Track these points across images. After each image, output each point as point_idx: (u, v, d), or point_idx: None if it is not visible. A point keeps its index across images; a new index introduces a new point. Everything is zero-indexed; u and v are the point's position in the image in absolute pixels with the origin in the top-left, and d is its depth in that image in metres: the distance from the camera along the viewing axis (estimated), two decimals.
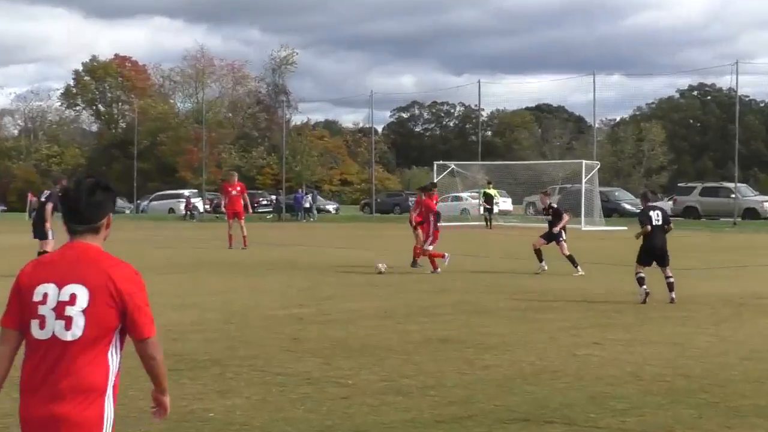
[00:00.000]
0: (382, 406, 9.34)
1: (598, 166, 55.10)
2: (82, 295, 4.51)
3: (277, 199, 71.84)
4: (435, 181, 45.14)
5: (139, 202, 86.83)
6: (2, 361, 4.66)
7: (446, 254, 24.29)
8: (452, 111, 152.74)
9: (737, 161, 58.99)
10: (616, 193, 65.67)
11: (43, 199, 22.82)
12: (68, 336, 4.48)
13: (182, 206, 75.80)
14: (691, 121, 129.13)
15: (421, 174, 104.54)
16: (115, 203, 4.96)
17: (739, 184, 59.96)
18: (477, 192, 59.19)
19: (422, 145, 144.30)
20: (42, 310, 4.51)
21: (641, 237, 17.90)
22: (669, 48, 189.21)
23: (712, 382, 10.50)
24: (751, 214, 57.56)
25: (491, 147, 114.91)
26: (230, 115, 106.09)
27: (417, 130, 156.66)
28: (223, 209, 36.88)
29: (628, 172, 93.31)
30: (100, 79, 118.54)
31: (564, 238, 23.81)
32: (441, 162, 61.23)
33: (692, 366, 11.44)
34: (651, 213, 17.94)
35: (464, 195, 64.72)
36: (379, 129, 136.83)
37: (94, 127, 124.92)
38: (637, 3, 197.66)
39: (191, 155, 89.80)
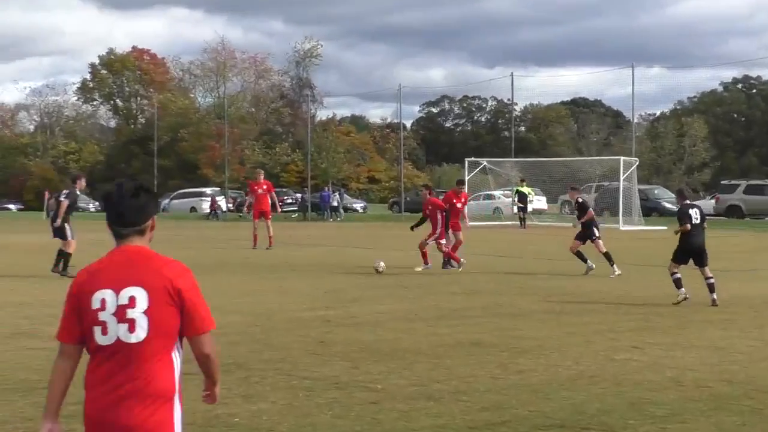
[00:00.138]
0: (412, 411, 9.13)
1: (637, 163, 54.54)
2: (141, 296, 4.57)
3: (302, 198, 71.68)
4: (464, 178, 44.82)
5: (159, 200, 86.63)
6: (63, 378, 4.74)
7: (429, 265, 24.28)
8: (484, 105, 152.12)
9: None
10: (656, 191, 64.61)
11: (61, 198, 22.85)
12: (132, 338, 4.54)
13: (204, 205, 75.82)
14: (735, 115, 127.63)
15: (451, 171, 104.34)
16: (158, 205, 4.89)
17: None
18: (510, 190, 58.80)
19: (453, 141, 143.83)
20: (102, 316, 4.57)
21: (679, 235, 17.54)
22: (712, 39, 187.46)
23: (756, 388, 10.23)
24: None
25: (525, 143, 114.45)
26: (253, 110, 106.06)
27: (447, 125, 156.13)
28: (245, 209, 36.76)
29: (669, 169, 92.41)
30: (117, 73, 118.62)
31: (598, 235, 23.55)
32: (472, 159, 60.87)
33: (735, 371, 11.15)
34: (690, 211, 17.58)
35: (497, 193, 64.23)
36: (408, 124, 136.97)
37: (113, 123, 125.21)
38: None
39: (213, 152, 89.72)
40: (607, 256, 23.21)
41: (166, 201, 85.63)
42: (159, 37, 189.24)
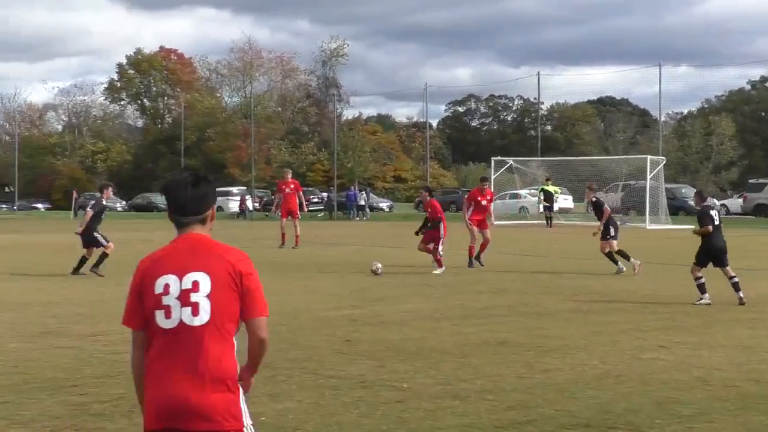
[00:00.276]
0: (437, 410, 9.10)
1: (664, 162, 54.26)
2: (205, 281, 4.67)
3: (328, 197, 71.71)
4: (487, 175, 44.64)
5: None
6: (139, 363, 4.82)
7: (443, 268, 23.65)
8: (510, 104, 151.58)
9: None
10: (683, 190, 64.09)
11: (88, 208, 23.07)
12: (196, 321, 4.63)
13: (231, 204, 75.96)
14: (763, 114, 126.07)
15: (477, 170, 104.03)
16: (217, 195, 5.07)
17: None
18: (536, 189, 58.64)
19: (479, 140, 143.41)
20: (166, 300, 4.66)
21: (701, 238, 17.42)
22: (739, 37, 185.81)
23: None
24: None
25: (551, 142, 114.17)
26: (279, 109, 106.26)
27: (473, 124, 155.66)
28: (273, 208, 36.78)
29: (696, 168, 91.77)
30: (144, 73, 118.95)
31: (612, 234, 23.48)
32: (498, 158, 60.76)
33: (763, 370, 11.07)
34: (711, 212, 17.49)
35: (523, 192, 64.07)
36: (434, 123, 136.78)
37: (140, 123, 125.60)
38: None
39: (239, 151, 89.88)
40: (610, 256, 23.31)
41: None
42: (186, 37, 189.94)
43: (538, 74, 69.98)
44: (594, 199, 24.55)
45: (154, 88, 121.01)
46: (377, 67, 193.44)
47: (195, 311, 4.63)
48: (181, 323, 4.63)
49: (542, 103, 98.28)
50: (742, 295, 17.01)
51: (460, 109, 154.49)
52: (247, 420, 4.72)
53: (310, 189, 79.06)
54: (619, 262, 23.19)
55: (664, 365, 11.38)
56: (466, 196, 26.45)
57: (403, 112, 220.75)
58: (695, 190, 19.67)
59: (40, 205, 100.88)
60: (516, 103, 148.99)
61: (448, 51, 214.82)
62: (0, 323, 14.59)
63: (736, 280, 17.20)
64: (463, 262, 25.06)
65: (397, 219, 64.93)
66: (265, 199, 73.56)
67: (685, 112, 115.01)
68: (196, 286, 4.66)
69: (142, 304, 4.75)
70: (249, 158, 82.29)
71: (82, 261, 22.67)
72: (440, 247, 23.87)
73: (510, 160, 61.20)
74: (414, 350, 12.26)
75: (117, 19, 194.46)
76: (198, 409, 4.56)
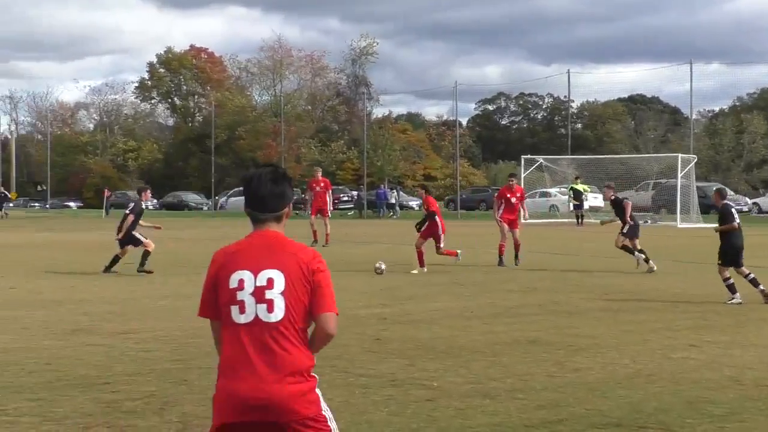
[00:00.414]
0: (468, 409, 9.09)
1: (695, 160, 53.99)
2: (279, 278, 4.76)
3: (358, 195, 71.73)
4: (515, 172, 44.51)
5: (217, 198, 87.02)
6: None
7: (424, 269, 23.38)
8: (540, 103, 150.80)
9: None
10: (714, 189, 63.94)
11: (127, 211, 23.06)
12: (272, 318, 4.72)
13: None
14: None
15: (507, 169, 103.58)
16: (293, 193, 5.17)
17: None
18: (566, 187, 58.44)
19: (509, 139, 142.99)
20: (240, 295, 4.75)
21: (722, 236, 17.34)
22: None
23: None
24: None
25: (581, 140, 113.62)
26: (309, 107, 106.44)
27: (503, 122, 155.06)
28: (303, 206, 36.89)
29: (727, 167, 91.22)
30: (175, 72, 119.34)
31: (626, 231, 23.57)
32: (528, 156, 60.63)
33: None
34: (732, 210, 17.43)
35: (553, 191, 63.87)
36: (464, 122, 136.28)
37: (170, 121, 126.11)
38: None
39: (270, 150, 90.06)
40: (626, 248, 23.42)
41: (224, 199, 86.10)
42: (216, 35, 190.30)
43: (568, 72, 69.74)
44: (613, 197, 24.66)
45: (185, 87, 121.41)
46: (407, 66, 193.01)
47: (270, 308, 4.73)
48: (257, 318, 4.73)
49: (572, 101, 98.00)
50: (763, 287, 16.94)
51: (490, 108, 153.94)
52: (324, 405, 4.84)
53: (340, 187, 79.14)
54: (651, 260, 23.18)
55: (696, 364, 11.32)
56: (496, 194, 26.33)
57: (432, 111, 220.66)
58: (716, 189, 19.59)
59: (72, 204, 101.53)
60: (546, 101, 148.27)
61: (478, 49, 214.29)
62: (33, 321, 14.68)
63: (752, 276, 17.14)
64: (492, 261, 25.02)
65: None
66: (294, 198, 73.64)
67: (717, 110, 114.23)
68: (270, 283, 4.76)
69: (216, 295, 4.85)
70: (279, 157, 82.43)
71: (115, 260, 22.78)
72: (442, 244, 23.87)
73: (540, 159, 61.04)
74: (444, 349, 12.26)
75: (148, 17, 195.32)
76: (276, 402, 4.65)
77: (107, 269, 22.68)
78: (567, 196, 56.40)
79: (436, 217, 23.87)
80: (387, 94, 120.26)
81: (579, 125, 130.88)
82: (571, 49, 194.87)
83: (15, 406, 9.03)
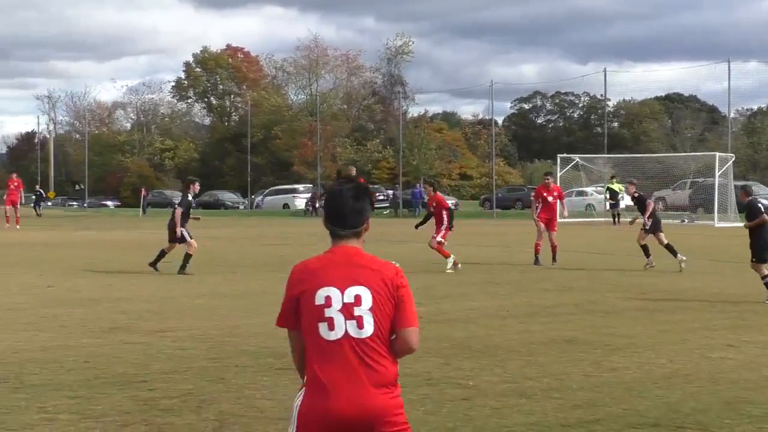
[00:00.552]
0: (504, 408, 9.08)
1: (733, 159, 53.48)
2: (366, 295, 4.81)
3: (393, 194, 71.68)
4: (551, 170, 44.29)
5: (253, 197, 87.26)
6: (301, 358, 5.00)
7: (452, 257, 23.08)
8: (576, 101, 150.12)
9: None
10: (753, 188, 63.37)
11: (175, 207, 23.00)
12: (362, 334, 4.77)
13: (297, 201, 76.28)
14: None
15: (543, 168, 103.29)
16: (373, 207, 5.20)
17: None
18: (602, 187, 58.19)
19: (545, 138, 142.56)
20: (329, 312, 4.79)
21: (751, 233, 17.23)
22: None
23: None
24: None
25: (618, 139, 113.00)
26: (345, 107, 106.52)
27: (539, 121, 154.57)
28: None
29: (766, 165, 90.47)
30: (211, 71, 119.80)
31: (647, 228, 23.62)
32: (564, 155, 60.44)
33: None
34: (760, 205, 17.36)
35: (589, 190, 63.61)
36: (500, 121, 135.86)
37: (207, 121, 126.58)
38: None
39: (305, 149, 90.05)
40: (644, 248, 23.48)
41: (260, 198, 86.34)
42: (253, 35, 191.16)
43: (605, 71, 69.39)
44: (636, 194, 24.75)
45: (221, 87, 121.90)
46: (443, 64, 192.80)
47: (360, 324, 4.78)
48: (346, 335, 4.77)
49: (609, 99, 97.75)
50: None
51: (526, 106, 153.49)
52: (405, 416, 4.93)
53: (375, 186, 79.11)
54: (679, 254, 23.21)
55: (733, 364, 11.25)
56: (532, 193, 26.24)
57: (468, 110, 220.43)
58: (741, 186, 19.52)
59: (109, 203, 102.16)
60: (582, 99, 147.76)
61: (514, 48, 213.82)
62: (71, 319, 14.79)
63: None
64: (528, 261, 24.96)
65: (462, 217, 64.77)
66: None
67: (755, 108, 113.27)
68: (358, 300, 4.80)
69: (297, 307, 4.89)
70: (315, 156, 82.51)
71: (161, 254, 22.68)
72: (439, 236, 23.40)
73: (576, 158, 60.80)
74: (480, 348, 12.24)
75: (185, 18, 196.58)
76: (374, 414, 4.71)
77: (153, 264, 22.56)
78: (603, 196, 56.17)
79: (444, 212, 23.56)
80: (423, 93, 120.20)
81: (615, 124, 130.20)
82: (608, 48, 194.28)
83: (54, 403, 9.11)
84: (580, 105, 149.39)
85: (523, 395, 9.58)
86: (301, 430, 4.82)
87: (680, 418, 8.72)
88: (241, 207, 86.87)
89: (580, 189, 63.08)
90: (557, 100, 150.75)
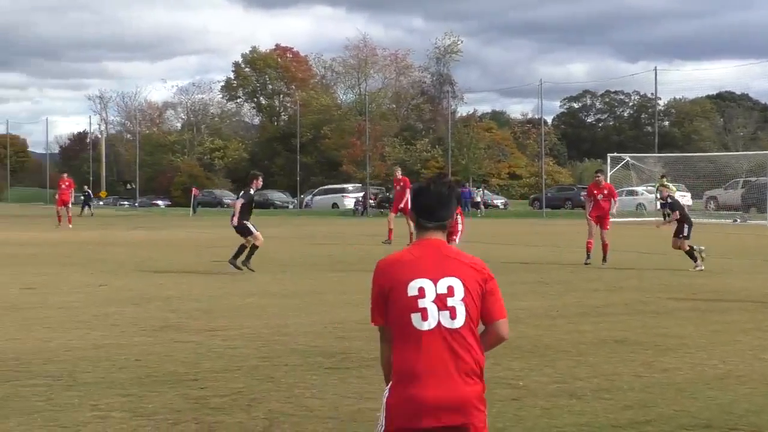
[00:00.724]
0: (554, 408, 9.03)
1: None
2: (458, 286, 4.90)
3: None
4: (601, 168, 44.01)
5: (302, 196, 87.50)
6: (390, 357, 5.00)
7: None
8: (626, 100, 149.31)
9: None
10: None
11: (239, 198, 22.98)
12: (455, 324, 4.86)
13: (346, 201, 76.47)
14: None
15: (593, 167, 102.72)
16: (459, 202, 5.33)
17: None
18: (653, 186, 57.77)
19: (594, 137, 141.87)
20: (422, 303, 4.86)
21: None
22: None
23: None
24: None
25: (668, 138, 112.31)
26: (393, 106, 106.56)
27: (589, 120, 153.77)
28: (389, 205, 36.97)
29: None
30: (260, 71, 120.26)
31: (685, 234, 23.62)
32: (615, 154, 60.16)
33: None
34: None
35: (639, 189, 63.18)
36: (549, 120, 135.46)
37: (256, 120, 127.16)
38: None
39: (354, 148, 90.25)
40: (690, 254, 23.36)
41: (309, 197, 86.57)
42: (302, 35, 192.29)
43: (655, 69, 69.21)
44: (670, 199, 24.99)
45: (270, 86, 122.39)
46: (491, 64, 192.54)
47: (453, 315, 4.86)
48: (439, 325, 4.85)
49: (659, 98, 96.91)
50: None
51: (576, 105, 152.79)
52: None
53: None
54: (698, 260, 23.22)
55: None
56: (583, 192, 26.13)
57: (517, 109, 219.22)
58: None
59: (159, 202, 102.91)
60: (632, 98, 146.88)
61: (564, 46, 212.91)
62: (123, 318, 14.90)
63: None
64: (578, 260, 24.84)
65: (511, 216, 64.63)
66: (380, 196, 73.98)
67: None
68: (451, 290, 4.89)
69: (387, 303, 4.94)
70: (364, 155, 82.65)
71: (241, 249, 22.46)
72: (457, 240, 23.22)
73: (626, 157, 60.44)
74: (529, 348, 12.18)
75: (234, 18, 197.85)
76: (466, 404, 4.81)
77: (234, 259, 22.28)
78: (654, 195, 55.75)
79: (459, 219, 23.23)
80: (471, 92, 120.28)
81: (666, 123, 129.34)
82: (658, 46, 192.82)
83: (107, 401, 9.18)
84: (630, 104, 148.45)
85: (573, 396, 9.53)
86: (391, 419, 4.86)
87: (733, 419, 8.62)
88: (291, 206, 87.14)
89: (631, 188, 62.67)
90: (607, 99, 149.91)
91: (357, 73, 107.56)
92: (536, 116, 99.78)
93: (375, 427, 5.05)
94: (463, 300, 4.89)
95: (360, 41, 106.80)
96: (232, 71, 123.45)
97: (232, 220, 22.71)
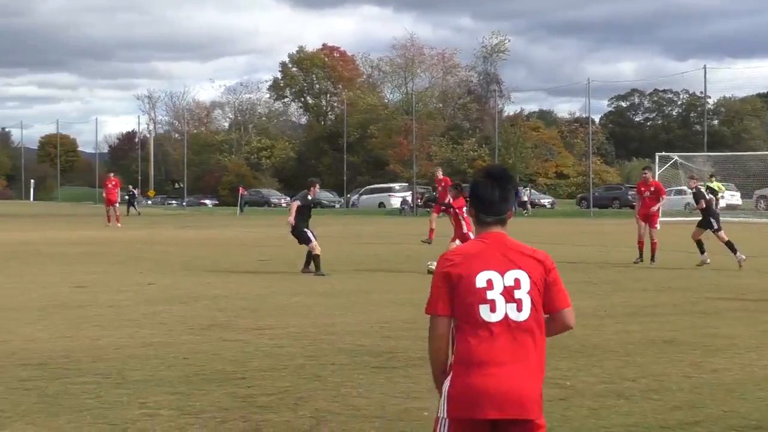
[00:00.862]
0: (601, 409, 8.97)
1: None
2: (524, 279, 4.94)
3: None
4: (649, 165, 43.66)
5: (349, 196, 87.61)
6: (445, 356, 5.04)
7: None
8: (675, 99, 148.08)
9: None
10: None
11: (295, 200, 22.86)
12: (521, 316, 4.90)
13: (393, 200, 76.52)
14: None
15: (641, 166, 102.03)
16: (517, 197, 5.32)
17: None
18: (702, 185, 57.21)
19: (642, 136, 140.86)
20: (491, 295, 4.89)
21: None
22: None
23: None
24: None
25: (718, 137, 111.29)
26: (440, 105, 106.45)
27: (637, 119, 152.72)
28: (435, 204, 36.88)
29: None
30: (307, 71, 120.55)
31: (717, 227, 23.72)
32: (663, 153, 59.66)
33: None
34: None
35: (688, 189, 62.61)
36: (597, 119, 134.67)
37: (303, 120, 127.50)
38: None
39: (401, 148, 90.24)
40: (729, 245, 23.42)
41: (356, 197, 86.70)
42: (349, 34, 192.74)
43: (705, 67, 68.49)
44: (695, 189, 25.02)
45: (317, 86, 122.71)
46: (539, 63, 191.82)
47: (519, 307, 4.90)
48: (506, 317, 4.88)
49: (709, 96, 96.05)
50: None
51: (623, 104, 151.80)
52: None
53: (466, 186, 78.79)
54: (706, 253, 23.45)
55: None
56: (631, 191, 26.02)
57: (564, 108, 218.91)
58: None
59: (207, 201, 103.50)
60: (681, 97, 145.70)
61: (612, 45, 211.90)
62: (171, 316, 15.00)
63: None
64: (625, 260, 24.70)
65: (558, 215, 64.34)
66: (426, 196, 73.99)
67: None
68: (517, 283, 4.93)
69: (452, 293, 4.94)
70: (410, 155, 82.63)
71: (309, 257, 22.34)
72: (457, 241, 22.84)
73: (675, 156, 59.96)
74: (577, 348, 12.12)
75: (282, 18, 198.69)
76: (530, 397, 4.82)
77: (306, 267, 22.18)
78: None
79: (462, 217, 22.95)
80: (518, 91, 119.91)
81: (715, 121, 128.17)
82: (708, 44, 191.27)
83: (155, 399, 9.24)
84: (679, 102, 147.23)
85: (621, 396, 9.47)
86: (453, 410, 4.85)
87: None
88: (337, 206, 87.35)
89: (679, 188, 62.15)
90: (655, 98, 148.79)
91: (404, 73, 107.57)
92: (584, 115, 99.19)
93: (436, 416, 4.95)
94: (529, 293, 4.92)
95: (407, 40, 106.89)
96: (279, 71, 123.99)
97: (296, 227, 22.43)
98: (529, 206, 66.52)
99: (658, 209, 25.00)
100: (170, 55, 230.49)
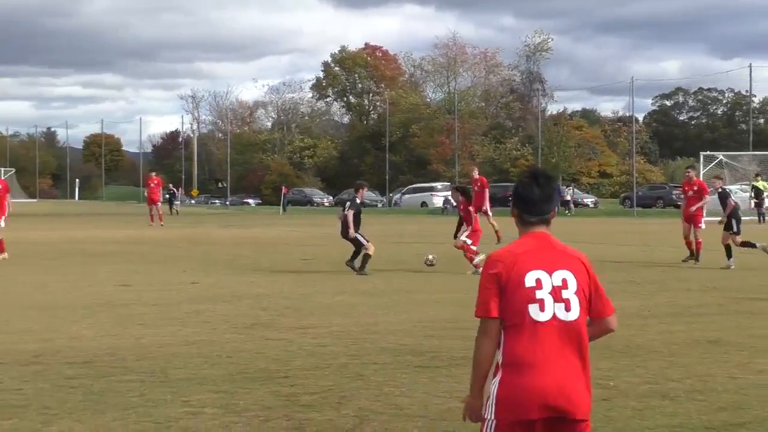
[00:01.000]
0: (645, 409, 8.93)
1: None
2: (571, 279, 4.96)
3: None
4: (693, 164, 43.29)
5: (391, 195, 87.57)
6: (490, 359, 4.96)
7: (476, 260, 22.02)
8: (720, 98, 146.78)
9: None
10: None
11: (345, 212, 22.74)
12: (570, 316, 4.91)
13: (435, 200, 76.45)
14: None
15: (685, 165, 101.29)
16: (561, 197, 5.33)
17: None
18: (747, 185, 56.77)
19: (687, 135, 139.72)
20: (539, 294, 4.89)
21: None
22: None
23: None
24: None
25: (763, 136, 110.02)
26: (483, 104, 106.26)
27: (681, 118, 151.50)
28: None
29: None
30: (349, 70, 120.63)
31: (736, 230, 23.49)
32: (708, 152, 59.14)
33: None
34: None
35: (733, 188, 62.05)
36: (640, 118, 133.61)
37: (346, 119, 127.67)
38: None
39: (443, 147, 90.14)
40: (728, 248, 23.30)
41: (398, 196, 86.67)
42: (391, 34, 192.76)
43: (750, 66, 67.86)
44: (720, 189, 24.63)
45: (359, 85, 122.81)
46: (582, 61, 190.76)
47: (567, 307, 4.91)
48: (555, 317, 4.88)
49: (754, 95, 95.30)
50: None
51: (668, 103, 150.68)
52: None
53: (511, 185, 78.60)
54: (731, 259, 23.13)
55: None
56: (676, 191, 25.87)
57: (608, 107, 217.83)
58: None
59: (250, 201, 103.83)
60: (726, 96, 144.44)
61: (656, 43, 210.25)
62: (214, 315, 15.07)
63: None
64: (672, 259, 24.54)
65: (601, 215, 64.02)
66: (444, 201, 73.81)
67: None
68: (565, 283, 4.94)
69: (503, 294, 4.92)
70: (452, 154, 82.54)
71: (365, 258, 22.31)
72: (463, 237, 22.63)
73: (720, 155, 59.43)
74: (620, 348, 12.04)
75: (325, 18, 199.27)
76: (579, 398, 4.84)
77: (361, 270, 21.95)
78: (748, 194, 54.77)
79: (473, 214, 22.72)
80: (561, 90, 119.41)
81: (761, 120, 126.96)
82: (754, 43, 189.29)
83: (198, 397, 9.29)
84: (724, 101, 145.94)
85: (665, 396, 9.42)
86: (501, 411, 4.82)
87: None
88: (380, 205, 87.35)
89: (724, 187, 61.62)
90: (700, 97, 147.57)
91: (446, 72, 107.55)
92: (627, 114, 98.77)
93: (483, 417, 4.91)
94: (576, 293, 4.93)
95: (449, 39, 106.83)
96: (322, 70, 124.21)
97: (347, 233, 22.41)
98: (572, 206, 66.17)
99: (698, 208, 24.73)
100: (214, 56, 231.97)
